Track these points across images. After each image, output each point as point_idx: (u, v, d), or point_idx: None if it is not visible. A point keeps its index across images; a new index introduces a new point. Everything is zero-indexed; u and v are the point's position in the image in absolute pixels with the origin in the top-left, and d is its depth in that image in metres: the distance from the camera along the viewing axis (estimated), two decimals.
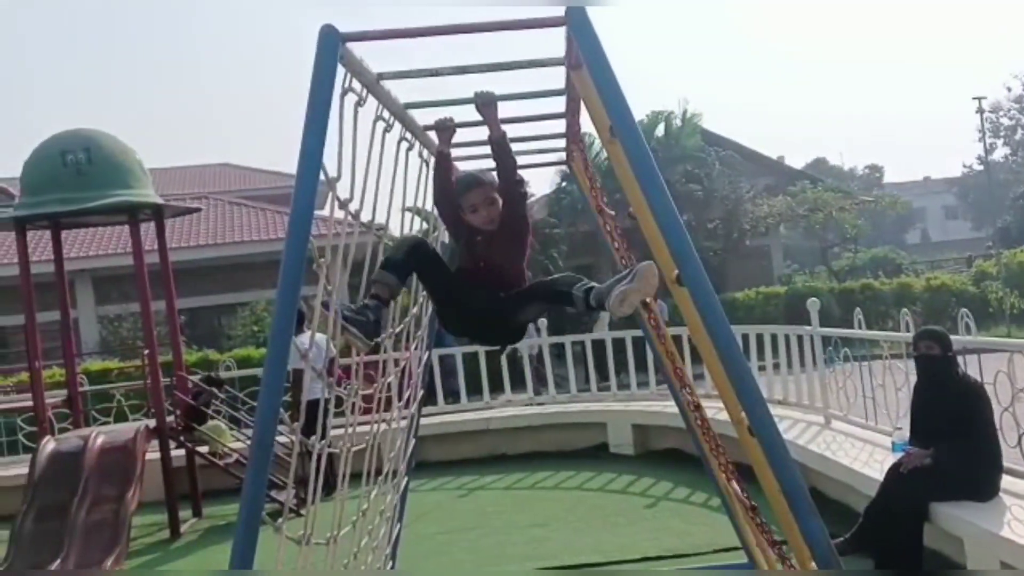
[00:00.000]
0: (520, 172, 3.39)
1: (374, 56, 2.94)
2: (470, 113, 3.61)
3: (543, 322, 12.04)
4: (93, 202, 8.07)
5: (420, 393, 5.10)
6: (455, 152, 3.76)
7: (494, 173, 3.36)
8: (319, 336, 5.65)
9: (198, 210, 12.14)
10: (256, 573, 2.45)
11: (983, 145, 47.23)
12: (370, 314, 3.04)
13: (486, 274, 3.28)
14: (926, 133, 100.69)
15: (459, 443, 10.44)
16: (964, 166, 56.94)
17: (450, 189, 3.40)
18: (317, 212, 3.05)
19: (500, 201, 3.27)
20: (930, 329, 5.78)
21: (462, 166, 3.95)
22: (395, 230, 4.62)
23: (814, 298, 8.55)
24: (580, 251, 24.83)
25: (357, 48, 2.76)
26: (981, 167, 50.51)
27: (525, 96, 3.55)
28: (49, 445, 8.01)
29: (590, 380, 11.38)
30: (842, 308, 18.38)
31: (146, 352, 8.85)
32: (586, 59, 2.52)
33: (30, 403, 8.99)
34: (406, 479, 4.93)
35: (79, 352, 13.40)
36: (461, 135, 3.75)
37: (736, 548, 5.53)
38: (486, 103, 3.21)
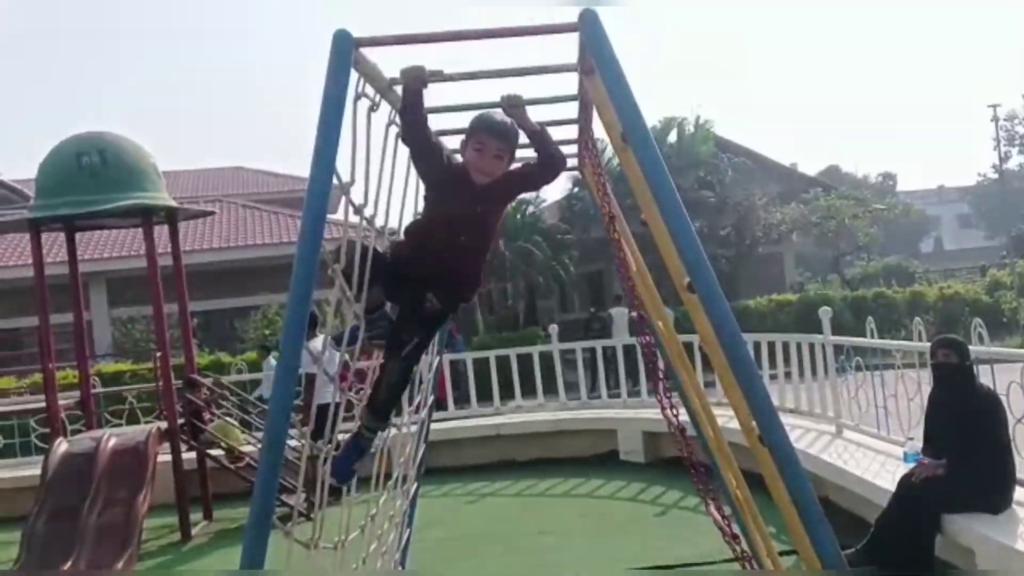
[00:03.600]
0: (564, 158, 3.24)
1: (387, 61, 2.95)
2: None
3: (554, 328, 12.05)
4: (107, 204, 8.10)
5: (431, 398, 5.10)
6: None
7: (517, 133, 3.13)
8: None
9: (212, 213, 12.19)
10: (267, 573, 2.46)
11: (998, 154, 47.03)
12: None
13: (461, 257, 3.14)
14: (941, 141, 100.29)
15: (469, 449, 10.43)
16: (979, 175, 56.71)
17: (427, 129, 3.04)
18: (329, 216, 3.07)
19: (507, 161, 3.11)
20: (948, 337, 5.75)
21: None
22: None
23: (826, 307, 8.52)
24: (591, 257, 24.83)
25: (370, 53, 2.77)
26: (996, 176, 50.25)
27: (537, 102, 3.54)
28: (61, 447, 8.04)
29: (599, 386, 11.37)
30: (855, 317, 18.32)
31: (158, 355, 8.88)
32: (598, 65, 2.52)
33: (43, 404, 9.03)
34: (416, 484, 4.93)
35: (92, 354, 13.47)
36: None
37: (749, 559, 5.49)
38: (514, 104, 3.02)
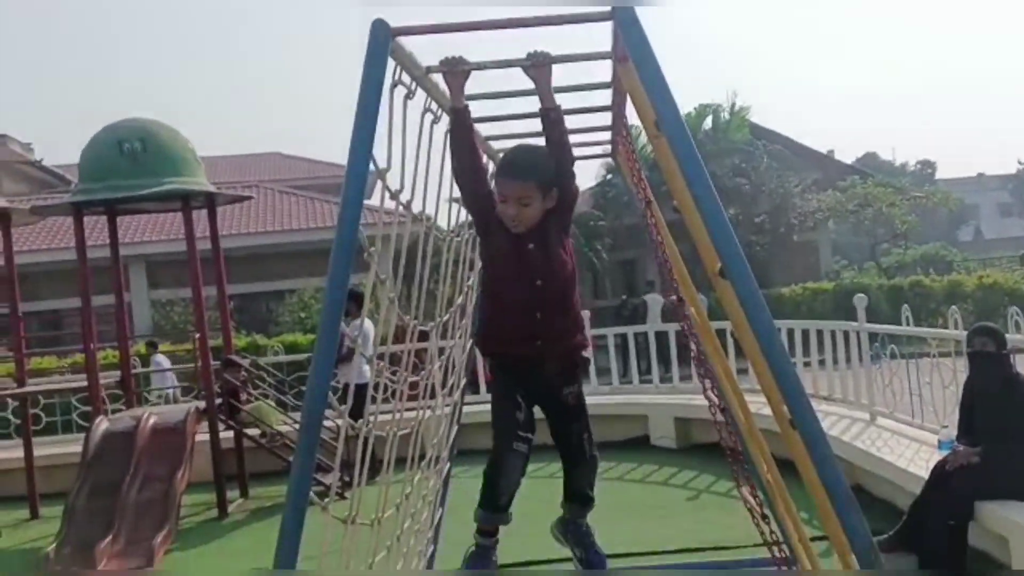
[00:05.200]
0: (574, 157, 2.92)
1: (422, 49, 2.99)
2: (517, 106, 3.63)
3: (586, 314, 12.03)
4: (147, 189, 8.28)
5: (463, 381, 5.17)
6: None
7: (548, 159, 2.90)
8: (367, 322, 5.77)
9: (249, 198, 12.36)
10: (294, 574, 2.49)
11: None
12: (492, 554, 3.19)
13: (542, 300, 2.89)
14: (980, 129, 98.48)
15: None
16: (1019, 163, 55.69)
17: (474, 159, 2.94)
18: (366, 202, 3.12)
19: (538, 204, 2.86)
20: (985, 325, 5.71)
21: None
22: (442, 220, 4.66)
23: (861, 294, 8.46)
24: (624, 244, 24.77)
25: (406, 41, 2.81)
26: None
27: (571, 89, 3.57)
28: (102, 425, 8.24)
29: (631, 372, 11.38)
30: (891, 305, 18.13)
31: (197, 336, 9.05)
32: (632, 53, 2.54)
33: (84, 384, 9.25)
34: (448, 465, 5.00)
35: (132, 335, 13.72)
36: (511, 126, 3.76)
37: (778, 543, 5.50)
38: (539, 64, 2.72)
